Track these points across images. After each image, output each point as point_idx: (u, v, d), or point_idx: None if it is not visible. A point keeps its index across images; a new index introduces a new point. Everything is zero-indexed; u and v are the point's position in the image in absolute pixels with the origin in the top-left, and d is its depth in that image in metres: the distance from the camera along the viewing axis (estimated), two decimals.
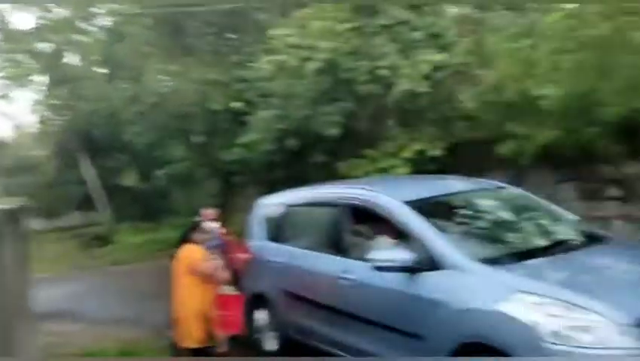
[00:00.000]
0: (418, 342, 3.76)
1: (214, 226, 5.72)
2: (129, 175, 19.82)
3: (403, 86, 7.30)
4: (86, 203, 18.33)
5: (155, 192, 17.68)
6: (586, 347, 2.99)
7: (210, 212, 6.28)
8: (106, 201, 17.50)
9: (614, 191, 6.23)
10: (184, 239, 4.95)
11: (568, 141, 6.02)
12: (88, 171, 16.86)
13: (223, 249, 5.45)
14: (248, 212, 6.17)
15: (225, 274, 5.04)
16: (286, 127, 8.70)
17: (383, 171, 7.75)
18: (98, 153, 17.74)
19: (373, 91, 7.92)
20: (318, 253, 4.88)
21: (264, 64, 8.86)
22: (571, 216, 4.61)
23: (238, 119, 10.69)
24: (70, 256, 14.32)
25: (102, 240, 16.08)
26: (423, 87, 7.20)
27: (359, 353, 4.31)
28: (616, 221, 6.20)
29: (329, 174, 8.53)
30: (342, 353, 4.52)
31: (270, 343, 5.47)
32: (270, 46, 8.89)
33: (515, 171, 6.98)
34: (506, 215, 4.45)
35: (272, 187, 8.00)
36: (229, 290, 5.03)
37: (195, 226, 5.14)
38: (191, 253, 4.84)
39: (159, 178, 14.15)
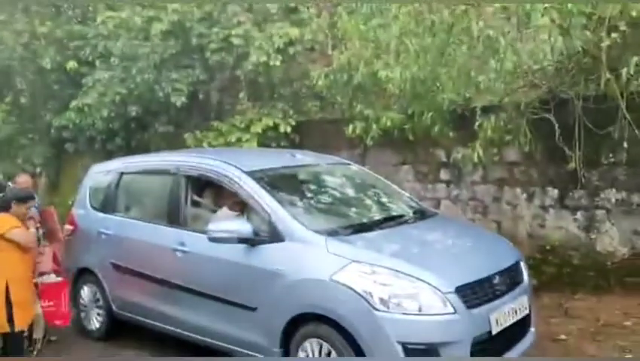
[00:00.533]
0: (251, 314, 3.63)
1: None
2: None
3: (255, 57, 7.07)
4: None
5: None
6: (411, 314, 3.10)
7: (24, 179, 5.59)
8: None
9: (444, 174, 6.72)
10: None
11: (409, 124, 6.32)
12: None
13: (41, 219, 4.77)
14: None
15: (39, 248, 4.43)
16: (127, 91, 7.96)
17: (231, 144, 7.49)
18: None
19: (224, 60, 7.57)
20: (152, 225, 4.52)
21: (105, 20, 8.01)
22: (406, 194, 4.83)
23: (73, 81, 9.60)
24: None
25: None
26: (276, 61, 7.04)
27: (191, 327, 4.09)
28: (444, 202, 6.70)
29: (173, 146, 8.04)
30: (173, 329, 4.25)
31: (94, 321, 5.01)
32: (112, 1, 8.05)
33: (360, 150, 7.20)
34: (347, 190, 4.52)
35: (110, 157, 7.36)
36: (51, 278, 4.57)
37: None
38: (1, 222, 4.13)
39: None
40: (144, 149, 8.44)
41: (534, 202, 5.99)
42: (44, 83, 10.11)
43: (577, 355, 4.14)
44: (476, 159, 5.23)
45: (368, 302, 3.11)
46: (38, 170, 11.14)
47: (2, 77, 10.10)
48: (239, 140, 7.46)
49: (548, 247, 5.80)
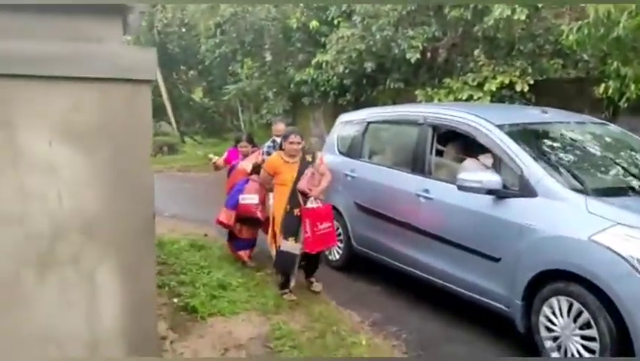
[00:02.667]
0: (494, 264, 3.72)
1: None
2: (198, 90, 20.18)
3: (499, 11, 6.83)
4: (157, 113, 18.91)
5: (222, 108, 17.98)
6: None
7: (281, 126, 5.88)
8: (176, 113, 17.97)
9: None
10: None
11: None
12: (161, 82, 17.24)
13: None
14: (317, 134, 6.11)
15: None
16: (366, 48, 8.43)
17: (461, 102, 7.47)
18: (171, 66, 18.07)
19: (462, 16, 7.49)
20: (397, 171, 4.83)
21: None
22: None
23: (314, 39, 10.51)
24: None
25: (170, 148, 16.68)
26: (521, 14, 6.71)
27: (429, 269, 4.33)
28: None
29: (403, 102, 8.33)
30: (410, 269, 4.56)
31: (335, 253, 5.61)
32: None
33: (606, 114, 6.57)
34: (604, 151, 4.23)
35: (341, 111, 7.91)
36: (316, 203, 4.66)
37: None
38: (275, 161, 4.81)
39: (227, 94, 14.27)
40: (372, 104, 8.91)
41: None
42: (288, 42, 11.25)
43: None
44: None
45: (633, 266, 2.96)
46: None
47: (256, 35, 11.44)
48: (470, 97, 7.40)
49: None
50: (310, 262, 4.91)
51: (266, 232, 5.21)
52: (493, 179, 3.73)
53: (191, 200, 9.44)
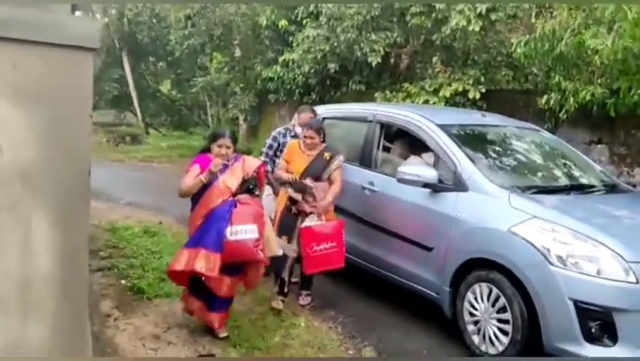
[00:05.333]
0: (427, 253, 3.98)
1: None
2: (166, 82, 20.07)
3: (455, 21, 7.17)
4: (122, 103, 18.73)
5: (189, 101, 17.96)
6: (589, 275, 3.16)
7: (309, 115, 4.95)
8: (141, 104, 17.85)
9: None
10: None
11: (612, 100, 5.96)
12: (128, 72, 17.10)
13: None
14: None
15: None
16: (330, 49, 8.68)
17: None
18: (140, 56, 17.94)
19: (423, 24, 7.82)
20: (347, 165, 5.02)
21: None
22: (598, 168, 4.69)
23: (282, 38, 10.70)
24: (101, 148, 14.84)
25: (133, 139, 16.56)
26: (475, 26, 7.07)
27: (368, 258, 4.57)
28: None
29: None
30: (351, 257, 4.76)
31: None
32: None
33: (549, 124, 6.97)
34: (534, 154, 4.56)
35: None
36: (317, 220, 4.20)
37: None
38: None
39: (195, 87, 14.31)
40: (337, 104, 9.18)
41: None
42: (257, 38, 11.42)
43: None
44: None
45: (545, 257, 3.25)
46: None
47: (225, 29, 11.56)
48: (426, 102, 7.72)
49: None
50: (303, 277, 4.47)
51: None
52: (429, 173, 4.00)
53: (150, 189, 9.47)
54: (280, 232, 4.22)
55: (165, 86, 20.10)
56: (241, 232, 3.56)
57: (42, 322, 1.56)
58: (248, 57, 11.94)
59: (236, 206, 3.62)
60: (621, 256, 3.16)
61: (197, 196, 3.68)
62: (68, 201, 1.62)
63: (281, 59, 10.02)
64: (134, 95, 17.42)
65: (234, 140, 3.80)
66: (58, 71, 1.60)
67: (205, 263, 3.48)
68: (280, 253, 3.98)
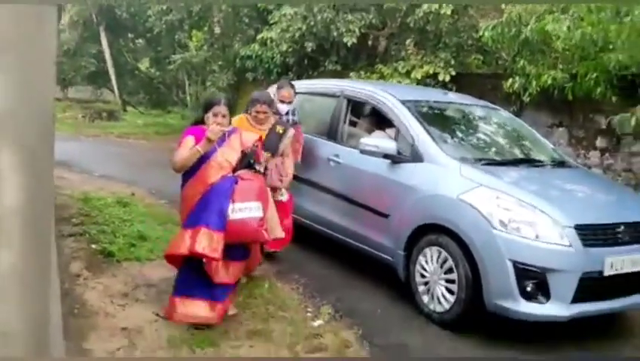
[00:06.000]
0: (384, 220, 4.21)
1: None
2: (144, 60, 19.93)
3: (427, 5, 7.35)
4: (99, 79, 18.59)
5: (168, 80, 17.90)
6: (527, 238, 3.43)
7: (289, 92, 4.85)
8: (119, 81, 17.74)
9: (600, 142, 6.54)
10: None
11: (571, 83, 6.24)
12: (106, 48, 16.95)
13: None
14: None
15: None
16: (307, 28, 8.80)
17: None
18: (118, 32, 17.78)
19: (398, 6, 7.99)
20: (315, 138, 5.23)
21: None
22: (550, 145, 4.96)
23: (261, 17, 10.76)
24: (77, 124, 14.79)
25: (110, 115, 16.50)
26: (447, 9, 7.26)
27: (330, 225, 4.79)
28: (595, 170, 6.54)
29: None
30: (315, 225, 4.99)
31: None
32: None
33: (515, 107, 7.24)
34: (490, 130, 4.81)
35: None
36: (287, 195, 4.48)
37: None
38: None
39: (173, 64, 14.28)
40: None
41: None
42: (237, 16, 11.45)
43: None
44: (633, 123, 5.09)
45: (488, 222, 3.51)
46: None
47: (204, 6, 11.56)
48: (398, 83, 7.92)
49: None
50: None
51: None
52: (388, 145, 4.23)
53: (125, 163, 9.55)
54: None
55: (144, 64, 19.96)
56: (245, 209, 3.24)
57: (10, 248, 1.71)
58: (228, 35, 11.97)
59: (235, 182, 3.31)
60: (557, 222, 3.43)
61: (189, 172, 3.36)
62: (33, 143, 1.78)
63: (259, 37, 10.09)
64: (112, 71, 17.30)
65: (229, 106, 3.48)
66: (24, 25, 1.74)
67: (208, 242, 3.12)
68: (283, 235, 3.94)
